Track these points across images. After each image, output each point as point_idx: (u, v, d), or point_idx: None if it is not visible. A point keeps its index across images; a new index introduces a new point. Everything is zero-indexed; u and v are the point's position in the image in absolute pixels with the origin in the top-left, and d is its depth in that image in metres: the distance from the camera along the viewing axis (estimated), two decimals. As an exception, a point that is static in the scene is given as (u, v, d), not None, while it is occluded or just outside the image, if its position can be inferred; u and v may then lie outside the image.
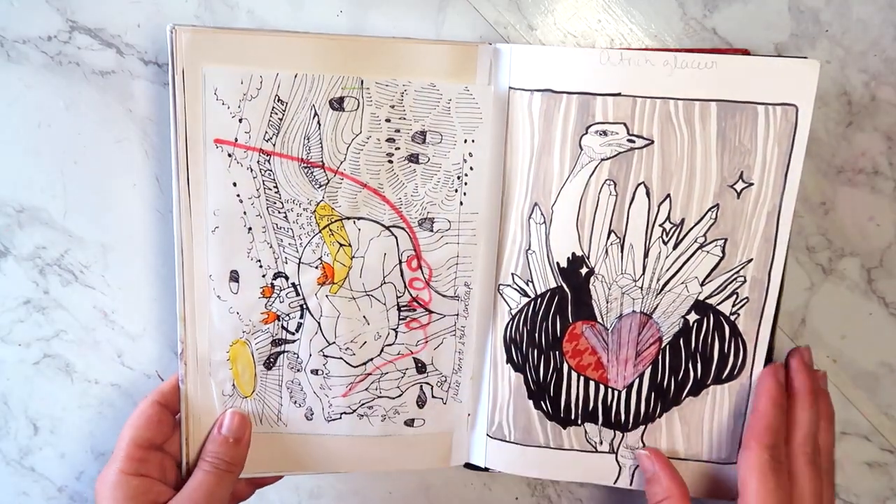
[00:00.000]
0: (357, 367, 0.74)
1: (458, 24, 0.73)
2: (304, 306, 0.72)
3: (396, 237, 0.71)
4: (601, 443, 0.75)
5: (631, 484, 0.75)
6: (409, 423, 0.76)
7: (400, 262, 0.72)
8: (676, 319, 0.71)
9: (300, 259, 0.71)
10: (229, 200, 0.69)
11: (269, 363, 0.73)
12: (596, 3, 0.73)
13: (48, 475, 0.81)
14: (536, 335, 0.72)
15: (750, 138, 0.67)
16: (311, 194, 0.70)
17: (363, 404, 0.75)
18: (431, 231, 0.72)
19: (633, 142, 0.67)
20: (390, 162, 0.70)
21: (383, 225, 0.71)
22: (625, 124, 0.67)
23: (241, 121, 0.67)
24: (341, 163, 0.69)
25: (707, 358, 0.72)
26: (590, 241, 0.70)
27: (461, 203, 0.71)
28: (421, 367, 0.75)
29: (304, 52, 0.67)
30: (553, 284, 0.71)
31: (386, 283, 0.72)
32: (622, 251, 0.70)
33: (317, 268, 0.71)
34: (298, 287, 0.72)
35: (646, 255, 0.70)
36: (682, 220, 0.69)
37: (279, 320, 0.72)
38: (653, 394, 0.73)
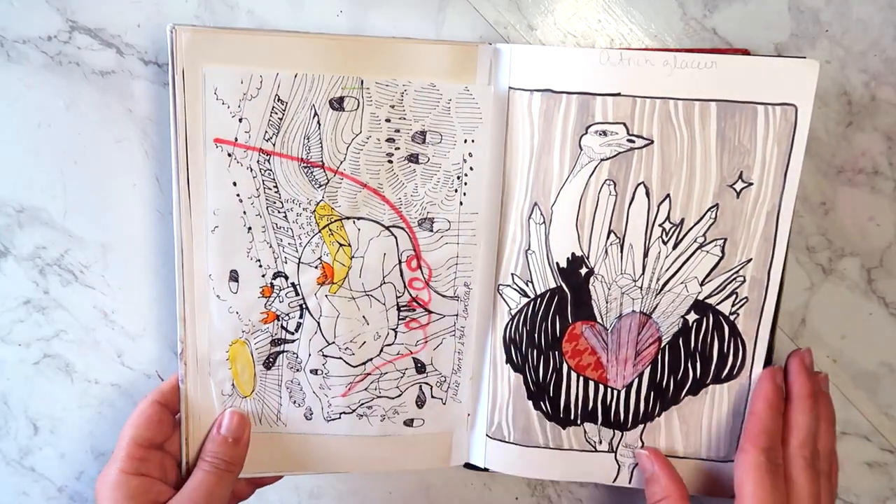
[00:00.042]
0: (356, 366, 0.74)
1: (458, 24, 0.73)
2: (304, 306, 0.72)
3: (396, 237, 0.71)
4: (600, 442, 0.75)
5: (630, 482, 0.76)
6: (409, 423, 0.76)
7: (399, 262, 0.72)
8: (676, 319, 0.71)
9: (300, 259, 0.71)
10: (229, 200, 0.69)
11: (269, 363, 0.73)
12: (596, 3, 0.73)
13: (48, 475, 0.81)
14: (536, 335, 0.72)
15: (749, 138, 0.67)
16: (310, 194, 0.70)
17: (362, 404, 0.75)
18: (431, 231, 0.72)
19: (633, 142, 0.67)
20: (390, 162, 0.70)
21: (383, 225, 0.71)
22: (624, 124, 0.67)
23: (241, 120, 0.67)
24: (341, 163, 0.69)
25: (706, 357, 0.72)
26: (589, 241, 0.70)
27: (461, 203, 0.71)
28: (420, 368, 0.75)
29: (304, 52, 0.67)
30: (553, 284, 0.71)
31: (385, 283, 0.72)
32: (622, 251, 0.70)
33: (316, 268, 0.71)
34: (298, 287, 0.72)
35: (645, 255, 0.70)
36: (682, 220, 0.69)
37: (279, 320, 0.72)
38: (652, 393, 0.73)
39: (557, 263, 0.70)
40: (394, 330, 0.74)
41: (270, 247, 0.70)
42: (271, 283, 0.71)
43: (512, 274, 0.72)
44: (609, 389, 0.73)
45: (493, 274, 0.73)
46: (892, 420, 0.79)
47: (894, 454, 0.79)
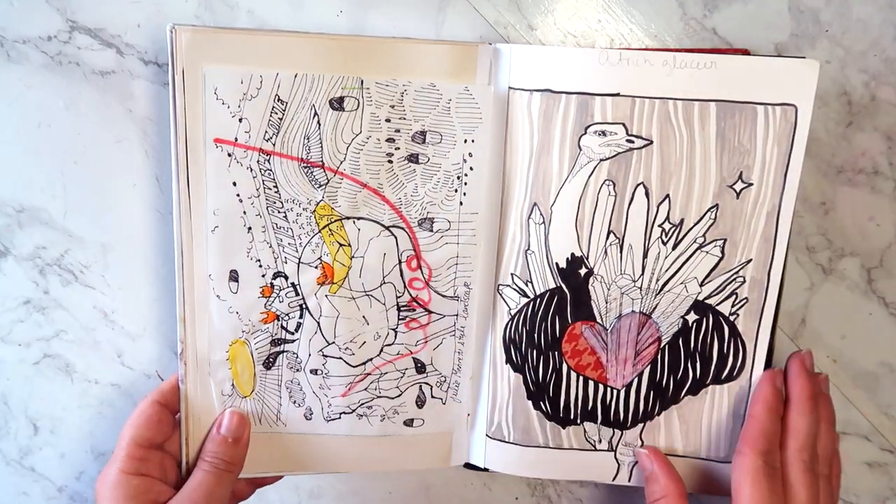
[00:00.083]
0: (356, 366, 0.74)
1: (458, 24, 0.73)
2: (304, 306, 0.72)
3: (396, 237, 0.71)
4: (600, 441, 0.75)
5: (629, 480, 0.76)
6: (409, 423, 0.76)
7: (399, 262, 0.72)
8: (676, 319, 0.71)
9: (300, 259, 0.71)
10: (229, 200, 0.69)
11: (269, 363, 0.73)
12: (596, 3, 0.73)
13: (48, 475, 0.81)
14: (535, 335, 0.72)
15: (749, 138, 0.67)
16: (310, 194, 0.70)
17: (362, 404, 0.75)
18: (431, 231, 0.72)
19: (632, 142, 0.67)
20: (390, 162, 0.70)
21: (383, 225, 0.71)
22: (623, 124, 0.67)
23: (241, 120, 0.67)
24: (341, 163, 0.69)
25: (706, 358, 0.72)
26: (589, 241, 0.70)
27: (461, 203, 0.71)
28: (420, 368, 0.75)
29: (304, 52, 0.67)
30: (552, 285, 0.71)
31: (385, 283, 0.72)
32: (621, 251, 0.70)
33: (316, 267, 0.71)
34: (298, 287, 0.72)
35: (645, 256, 0.70)
36: (682, 221, 0.69)
37: (278, 320, 0.72)
38: (651, 392, 0.73)
39: (557, 264, 0.70)
40: (394, 330, 0.74)
41: (270, 247, 0.70)
42: (271, 283, 0.71)
43: (512, 274, 0.72)
44: (609, 389, 0.73)
45: (493, 274, 0.73)
46: (892, 420, 0.79)
47: (894, 454, 0.79)
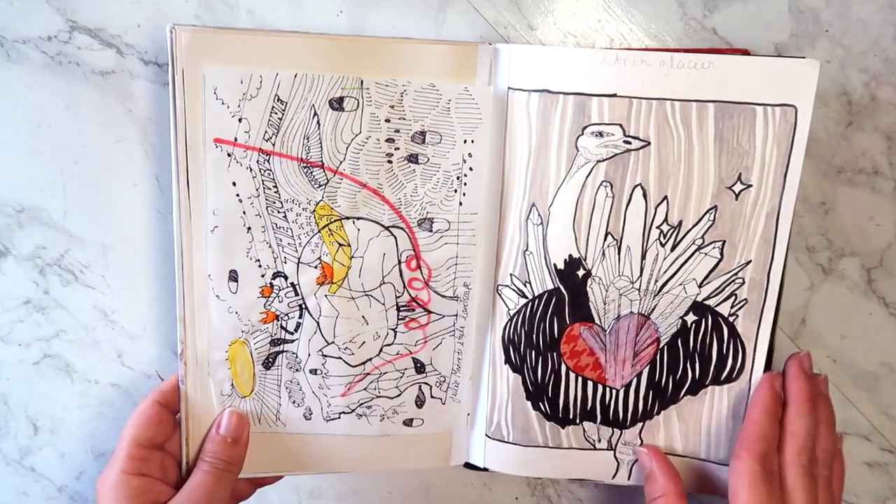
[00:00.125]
0: (356, 366, 0.74)
1: (458, 24, 0.73)
2: (303, 306, 0.72)
3: (396, 237, 0.71)
4: (599, 440, 0.75)
5: (629, 479, 0.76)
6: (408, 422, 0.76)
7: (399, 262, 0.72)
8: (674, 320, 0.71)
9: (299, 259, 0.71)
10: (229, 200, 0.69)
11: (268, 363, 0.73)
12: (596, 3, 0.73)
13: (48, 475, 0.81)
14: (534, 336, 0.72)
15: (748, 139, 0.66)
16: (310, 194, 0.70)
17: (362, 404, 0.75)
18: (430, 231, 0.72)
19: (630, 143, 0.67)
20: (390, 162, 0.70)
21: (382, 225, 0.71)
22: (621, 125, 0.67)
23: (240, 120, 0.67)
24: (341, 163, 0.69)
25: (705, 358, 0.72)
26: (586, 242, 0.70)
27: (460, 203, 0.71)
28: (420, 367, 0.75)
29: (304, 52, 0.67)
30: (550, 286, 0.71)
31: (385, 284, 0.72)
32: (619, 253, 0.70)
33: (316, 267, 0.71)
34: (297, 287, 0.72)
35: (643, 257, 0.70)
36: (680, 223, 0.69)
37: (278, 320, 0.72)
38: (651, 392, 0.73)
39: (555, 265, 0.70)
40: (393, 330, 0.74)
41: (270, 247, 0.70)
42: (271, 283, 0.71)
43: (510, 275, 0.72)
44: (608, 389, 0.73)
45: (493, 274, 0.73)
46: (892, 420, 0.79)
47: (894, 454, 0.79)
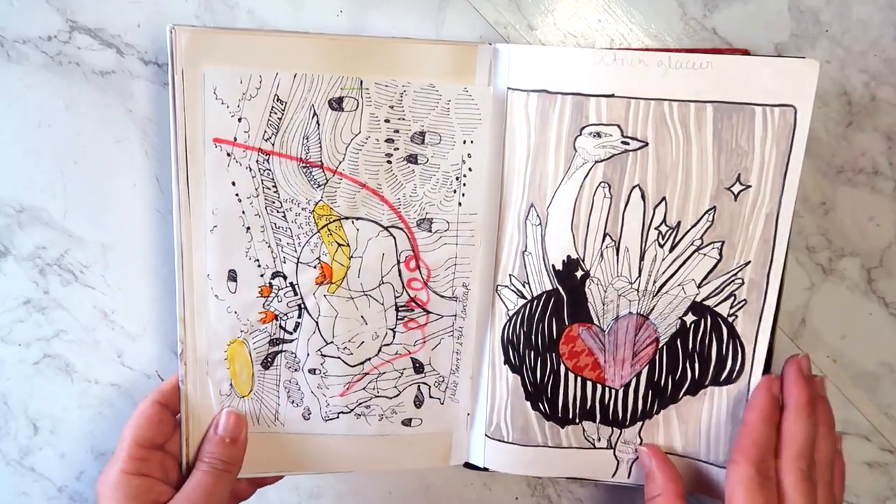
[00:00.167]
0: (355, 366, 0.74)
1: (458, 24, 0.73)
2: (302, 306, 0.72)
3: (395, 237, 0.71)
4: (599, 439, 0.75)
5: (628, 478, 0.76)
6: (407, 422, 0.76)
7: (398, 262, 0.72)
8: (673, 321, 0.71)
9: (298, 259, 0.71)
10: (228, 200, 0.69)
11: (267, 363, 0.73)
12: (596, 3, 0.73)
13: (48, 475, 0.81)
14: (533, 337, 0.72)
15: (747, 140, 0.66)
16: (309, 194, 0.70)
17: (360, 404, 0.75)
18: (430, 232, 0.72)
19: (628, 143, 0.67)
20: (389, 162, 0.70)
21: (382, 225, 0.71)
22: (619, 126, 0.67)
23: (240, 120, 0.67)
24: (340, 163, 0.69)
25: (705, 358, 0.72)
26: (585, 243, 0.69)
27: (459, 204, 0.71)
28: (418, 368, 0.75)
29: (304, 52, 0.67)
30: (549, 287, 0.71)
31: (384, 284, 0.72)
32: (618, 254, 0.70)
33: (315, 267, 0.71)
34: (296, 286, 0.72)
35: (641, 258, 0.70)
36: (679, 223, 0.68)
37: (277, 320, 0.72)
38: (650, 392, 0.73)
39: (553, 266, 0.70)
40: (392, 330, 0.74)
41: (269, 246, 0.70)
42: (270, 283, 0.71)
43: (509, 275, 0.72)
44: (607, 389, 0.73)
45: (492, 275, 0.73)
46: (892, 420, 0.79)
47: (894, 454, 0.79)
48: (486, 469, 0.77)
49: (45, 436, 0.80)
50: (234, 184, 0.69)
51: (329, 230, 0.71)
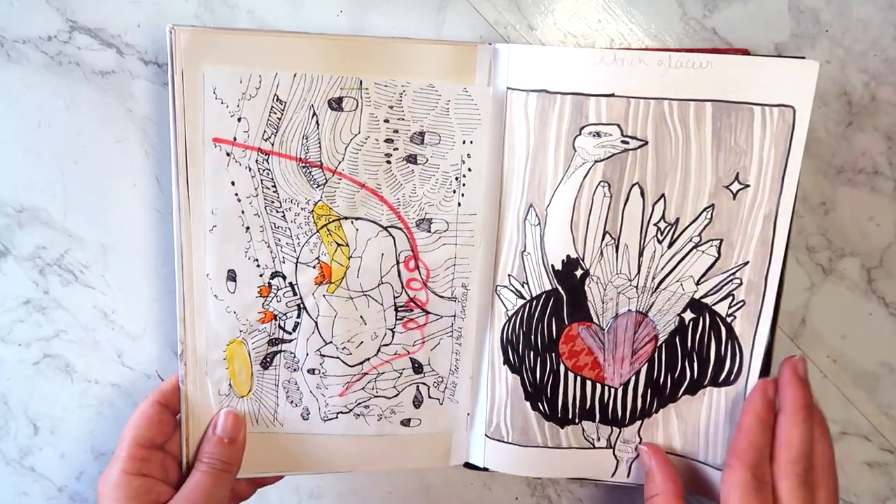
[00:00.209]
0: (354, 366, 0.74)
1: (458, 24, 0.73)
2: (302, 306, 0.72)
3: (394, 237, 0.71)
4: (598, 439, 0.75)
5: (628, 477, 0.76)
6: (406, 422, 0.76)
7: (397, 262, 0.72)
8: (672, 318, 0.71)
9: (298, 258, 0.71)
10: (227, 199, 0.69)
11: (266, 363, 0.73)
12: (596, 3, 0.73)
13: (48, 475, 0.81)
14: (532, 337, 0.72)
15: (746, 139, 0.66)
16: (309, 194, 0.70)
17: (359, 404, 0.75)
18: (429, 232, 0.72)
19: (627, 143, 0.67)
20: (388, 162, 0.70)
21: (381, 225, 0.71)
22: (618, 125, 0.67)
23: (239, 120, 0.67)
24: (339, 163, 0.69)
25: (703, 358, 0.72)
26: (584, 243, 0.69)
27: (459, 204, 0.71)
28: (418, 368, 0.75)
29: (304, 53, 0.67)
30: (548, 287, 0.71)
31: (383, 284, 0.72)
32: (617, 252, 0.70)
33: (314, 267, 0.71)
34: (296, 286, 0.72)
35: (640, 255, 0.70)
36: (677, 220, 0.68)
37: (276, 320, 0.72)
38: (649, 391, 0.73)
39: (553, 266, 0.70)
40: (391, 330, 0.74)
41: (268, 246, 0.70)
42: (269, 283, 0.71)
43: (509, 275, 0.72)
44: (606, 388, 0.73)
45: (491, 275, 0.73)
46: (892, 420, 0.78)
47: (894, 454, 0.79)
48: (486, 469, 0.77)
49: (45, 436, 0.80)
50: (233, 183, 0.69)
51: (328, 230, 0.71)
